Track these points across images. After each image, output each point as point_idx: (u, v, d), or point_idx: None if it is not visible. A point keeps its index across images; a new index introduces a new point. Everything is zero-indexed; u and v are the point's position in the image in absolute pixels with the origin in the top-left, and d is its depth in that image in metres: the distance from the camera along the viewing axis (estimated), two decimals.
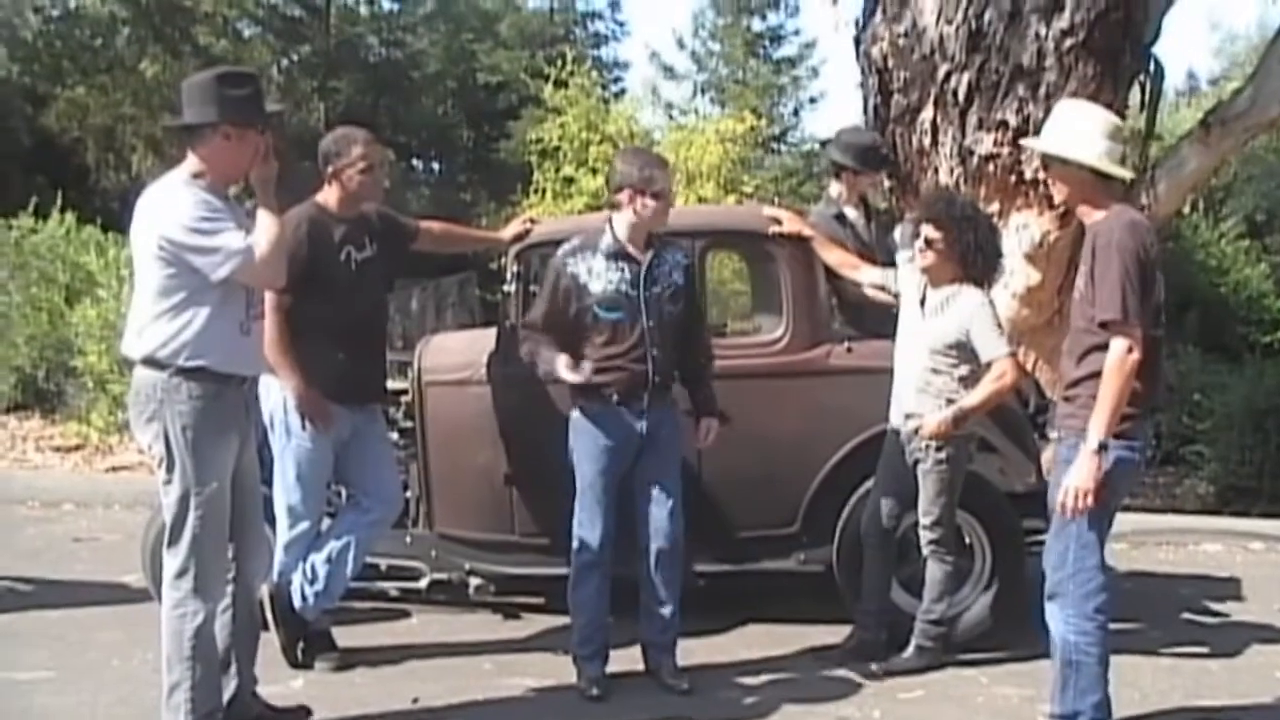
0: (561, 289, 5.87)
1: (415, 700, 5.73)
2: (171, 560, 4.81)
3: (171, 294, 4.68)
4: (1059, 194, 5.02)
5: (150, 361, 4.72)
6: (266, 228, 4.76)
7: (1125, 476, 4.92)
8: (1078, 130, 4.90)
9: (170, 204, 4.69)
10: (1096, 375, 4.76)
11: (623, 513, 6.00)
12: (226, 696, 5.05)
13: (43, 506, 10.11)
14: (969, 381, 5.93)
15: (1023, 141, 5.57)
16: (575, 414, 5.92)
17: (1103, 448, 4.68)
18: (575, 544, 5.95)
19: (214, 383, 4.75)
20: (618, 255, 5.86)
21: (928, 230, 5.98)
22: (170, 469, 4.75)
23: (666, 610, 6.01)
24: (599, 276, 5.83)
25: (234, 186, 5.08)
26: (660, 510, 5.94)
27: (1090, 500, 4.71)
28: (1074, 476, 4.73)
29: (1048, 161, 5.02)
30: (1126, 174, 4.98)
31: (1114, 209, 4.85)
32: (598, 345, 5.82)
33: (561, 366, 5.76)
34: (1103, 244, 4.74)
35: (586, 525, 5.92)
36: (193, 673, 4.81)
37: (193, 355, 4.69)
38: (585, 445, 5.90)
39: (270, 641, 6.02)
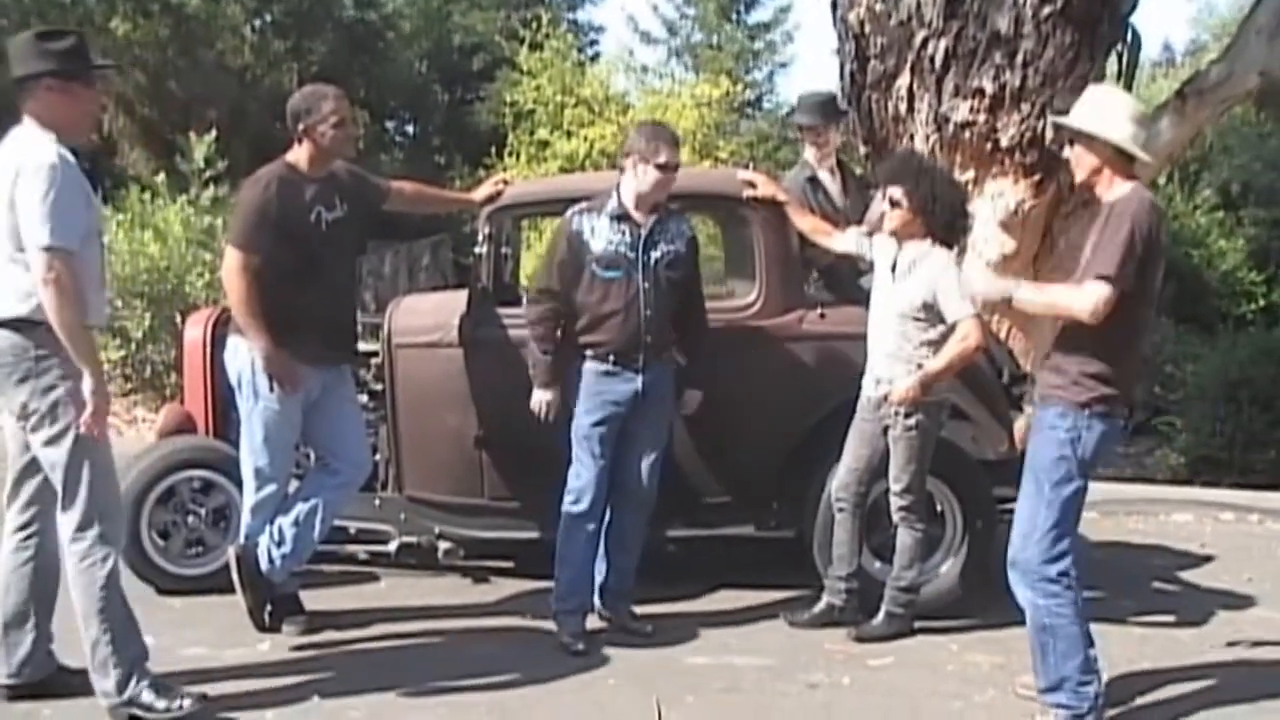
0: (566, 246, 6.03)
1: (382, 664, 5.70)
2: (69, 516, 4.80)
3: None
4: (1080, 171, 5.02)
5: (18, 321, 4.70)
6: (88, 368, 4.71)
7: (1105, 447, 4.95)
8: (1108, 110, 4.95)
9: (29, 158, 4.66)
10: (1083, 350, 4.82)
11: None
12: (23, 653, 5.03)
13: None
14: (939, 346, 5.92)
15: (1054, 118, 5.59)
16: (578, 369, 6.04)
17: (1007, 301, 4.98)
18: (569, 496, 6.06)
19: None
20: (621, 218, 6.01)
21: (891, 191, 6.05)
22: (55, 424, 4.74)
23: (630, 560, 6.24)
24: (600, 236, 5.99)
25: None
26: (642, 462, 6.12)
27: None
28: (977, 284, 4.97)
29: (1074, 138, 5.02)
30: (1149, 158, 5.01)
31: (1135, 186, 4.92)
32: (595, 303, 5.97)
33: (540, 375, 6.08)
34: (1118, 212, 4.80)
35: (581, 477, 6.04)
36: (110, 622, 4.82)
37: None
38: (584, 400, 6.03)
39: (237, 604, 6.00)
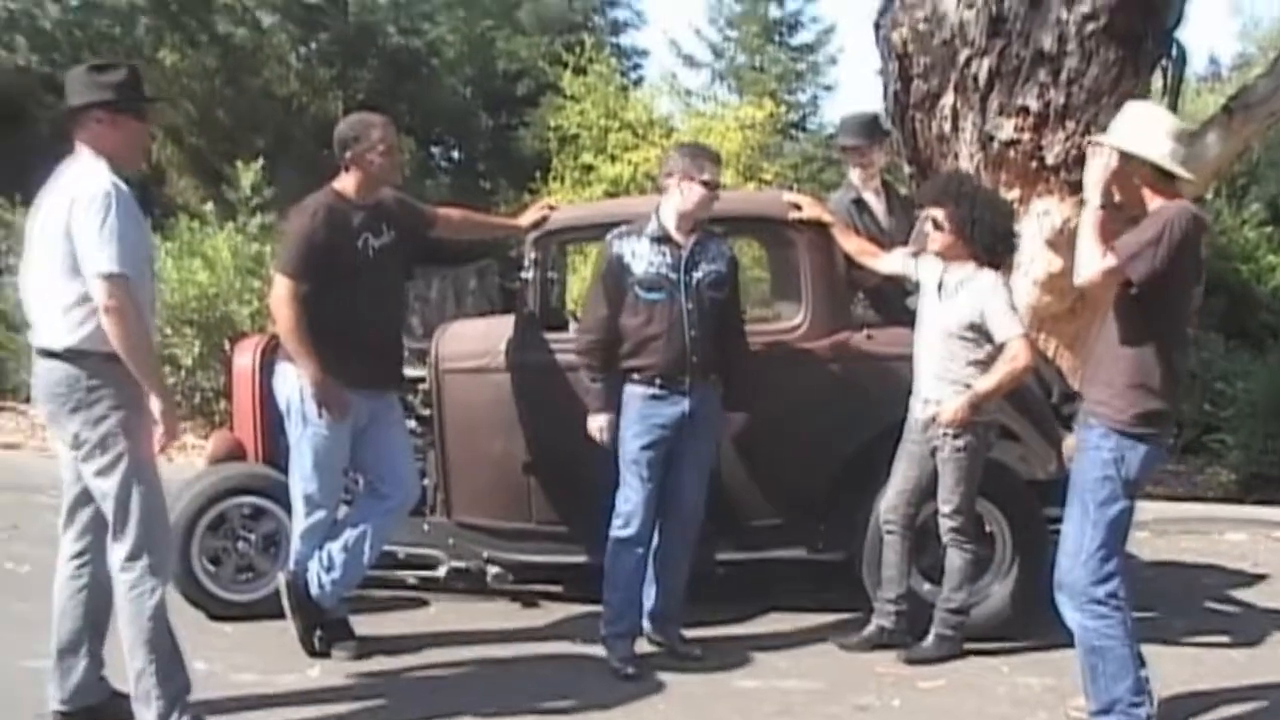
0: (608, 270, 6.06)
1: (433, 689, 5.71)
2: (120, 546, 4.82)
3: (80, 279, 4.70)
4: (1120, 191, 5.00)
5: (70, 352, 4.72)
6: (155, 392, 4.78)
7: (1149, 467, 4.92)
8: (1146, 128, 4.93)
9: (86, 187, 4.71)
10: (1120, 365, 4.82)
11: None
12: (76, 680, 5.05)
13: (60, 495, 10.09)
14: (987, 366, 5.91)
15: (1092, 137, 5.58)
16: (624, 392, 6.06)
17: None
18: (618, 520, 6.06)
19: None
20: (661, 240, 6.03)
21: (932, 212, 6.06)
22: (105, 454, 4.76)
23: (679, 583, 6.23)
24: (641, 258, 6.00)
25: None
26: (689, 486, 6.13)
27: None
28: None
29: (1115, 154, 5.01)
30: (1188, 175, 4.99)
31: (1179, 199, 4.89)
32: (639, 326, 5.99)
33: (593, 401, 6.13)
34: (1154, 212, 4.80)
35: (630, 500, 6.04)
36: (156, 653, 4.83)
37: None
38: (631, 423, 6.04)
39: (287, 629, 6.03)
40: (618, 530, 6.06)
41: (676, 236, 6.04)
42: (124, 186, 4.77)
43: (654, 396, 6.01)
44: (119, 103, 4.90)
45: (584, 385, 6.17)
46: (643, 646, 6.19)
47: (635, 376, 6.02)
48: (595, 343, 6.09)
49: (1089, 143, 5.15)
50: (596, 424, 6.10)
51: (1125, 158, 4.90)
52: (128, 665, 4.86)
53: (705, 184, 5.99)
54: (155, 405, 4.74)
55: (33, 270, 4.89)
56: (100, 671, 5.16)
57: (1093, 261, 4.75)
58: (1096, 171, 4.92)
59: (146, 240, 5.00)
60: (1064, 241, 7.81)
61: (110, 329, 4.62)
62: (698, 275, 6.02)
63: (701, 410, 6.06)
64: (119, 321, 4.60)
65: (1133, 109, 5.22)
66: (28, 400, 13.50)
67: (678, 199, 6.02)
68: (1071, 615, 4.96)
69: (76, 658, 5.05)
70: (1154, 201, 4.89)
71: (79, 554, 5.05)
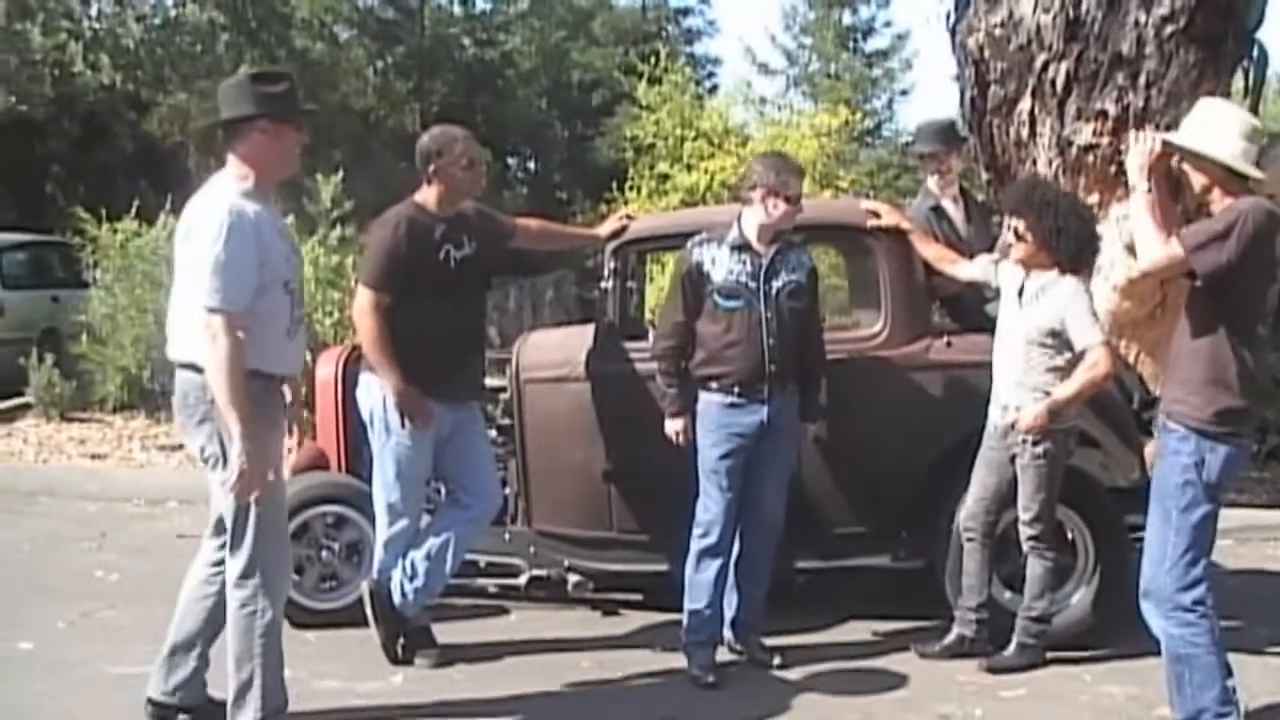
0: (687, 276, 6.08)
1: (515, 697, 5.74)
2: (235, 562, 4.87)
3: None
4: (1196, 186, 4.97)
5: (198, 366, 4.75)
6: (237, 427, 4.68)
7: (1230, 469, 4.86)
8: (1217, 128, 4.89)
9: (207, 214, 4.75)
10: (1195, 364, 4.79)
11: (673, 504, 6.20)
12: (182, 677, 5.15)
13: (148, 504, 10.25)
14: (1066, 373, 5.87)
15: (1162, 136, 5.53)
16: (701, 401, 6.08)
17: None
18: (698, 529, 6.09)
19: (260, 383, 4.79)
20: (741, 248, 6.05)
21: (1013, 222, 6.03)
22: (226, 469, 4.78)
23: (760, 591, 6.25)
24: (721, 266, 6.02)
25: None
26: (769, 495, 6.14)
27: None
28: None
29: (1184, 156, 4.97)
30: (1259, 174, 4.94)
31: (1254, 198, 4.83)
32: (718, 334, 6.01)
33: (669, 406, 6.16)
34: (1227, 207, 4.76)
35: (710, 509, 6.07)
36: (263, 670, 4.87)
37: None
38: (709, 432, 6.06)
39: (371, 637, 6.10)
40: (698, 539, 6.08)
41: (757, 246, 6.05)
42: (250, 211, 4.76)
43: (732, 405, 6.02)
44: (283, 113, 4.94)
45: (659, 390, 6.20)
46: (723, 655, 6.21)
47: (713, 385, 6.04)
48: (671, 348, 6.13)
49: (1161, 142, 5.10)
50: (673, 428, 6.13)
51: (1195, 158, 4.87)
52: (230, 675, 4.92)
53: (789, 199, 6.00)
54: (234, 447, 4.66)
55: (177, 283, 4.95)
56: (204, 675, 5.24)
57: (1155, 248, 4.74)
58: (1138, 157, 4.90)
59: (277, 263, 4.89)
60: None
61: (204, 359, 4.68)
62: (777, 284, 6.03)
63: (780, 419, 6.07)
64: (212, 354, 4.63)
65: (1204, 107, 5.18)
66: (115, 411, 13.73)
67: (761, 213, 6.03)
68: (1157, 623, 4.92)
69: (187, 657, 5.14)
70: (1224, 201, 4.85)
71: (215, 561, 5.09)
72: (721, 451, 6.02)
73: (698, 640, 6.11)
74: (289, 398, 5.19)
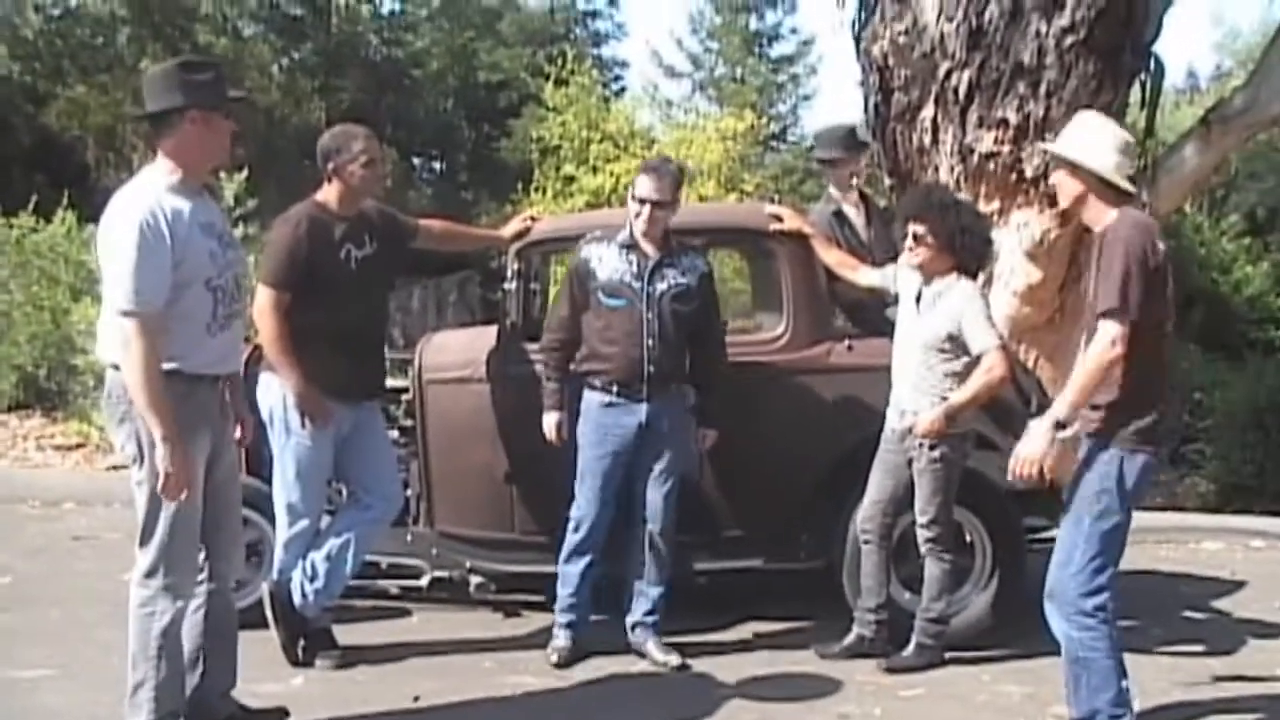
0: (574, 273, 6.18)
1: (416, 698, 5.73)
2: (142, 558, 4.77)
3: None
4: (1064, 198, 5.04)
5: (119, 365, 4.66)
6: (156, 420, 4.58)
7: (1146, 479, 4.94)
8: (1094, 140, 4.97)
9: (122, 214, 4.64)
10: (1111, 380, 4.78)
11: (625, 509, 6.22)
12: (194, 694, 5.02)
13: (44, 505, 10.11)
14: (963, 378, 5.94)
15: (1039, 145, 5.60)
16: (584, 399, 6.15)
17: (1060, 426, 4.75)
18: (571, 524, 6.19)
19: (181, 383, 4.69)
20: (629, 248, 6.13)
21: (913, 227, 6.05)
22: (142, 467, 4.71)
23: (655, 592, 6.28)
24: (607, 264, 6.11)
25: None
26: (655, 495, 6.17)
27: (1033, 472, 4.79)
28: (1027, 446, 4.81)
29: (1060, 164, 5.04)
30: (1131, 188, 5.01)
31: (1122, 211, 4.90)
32: (599, 331, 6.08)
33: (548, 404, 6.23)
34: (1109, 239, 4.79)
35: (582, 507, 6.18)
36: (157, 672, 4.78)
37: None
38: (586, 430, 6.15)
39: (270, 639, 6.05)
40: (570, 534, 6.21)
41: (645, 246, 6.12)
42: (169, 205, 4.63)
43: (610, 404, 6.10)
44: (213, 102, 4.81)
45: (542, 384, 6.26)
46: (627, 659, 6.24)
47: (595, 382, 6.13)
48: (556, 342, 6.22)
49: (1039, 150, 5.16)
50: (549, 422, 6.20)
51: (1070, 167, 4.95)
52: (129, 672, 4.82)
53: (652, 204, 6.07)
54: (158, 451, 4.57)
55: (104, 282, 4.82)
56: (227, 689, 5.17)
57: (1103, 350, 4.68)
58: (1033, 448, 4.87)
59: (197, 256, 4.72)
60: (1043, 253, 7.87)
61: (121, 361, 4.60)
62: (661, 286, 6.09)
63: (659, 422, 6.13)
64: (125, 356, 4.54)
65: (1082, 119, 5.24)
66: (10, 410, 13.50)
67: (634, 219, 6.13)
68: (1059, 625, 4.98)
69: (192, 674, 5.02)
70: (1100, 217, 4.91)
71: (198, 571, 4.99)
72: (599, 451, 6.11)
73: (561, 623, 6.30)
74: (228, 395, 5.10)
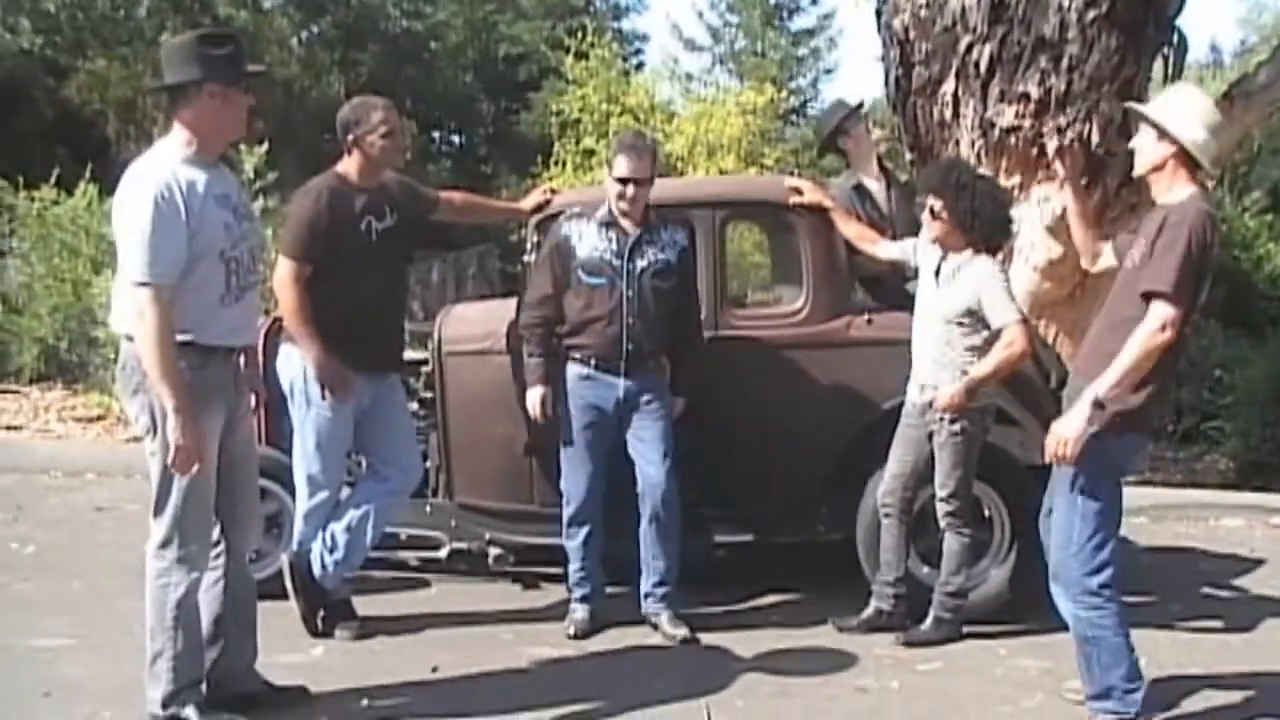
0: (555, 250, 6.19)
1: (435, 669, 5.76)
2: (156, 530, 4.79)
3: None
4: (1143, 164, 4.95)
5: (132, 336, 4.67)
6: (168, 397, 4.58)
7: (1132, 457, 4.95)
8: (1188, 110, 4.88)
9: (137, 185, 4.64)
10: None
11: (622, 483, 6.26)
12: (218, 668, 5.06)
13: (65, 476, 10.17)
14: (984, 352, 5.93)
15: (1130, 105, 5.52)
16: (565, 373, 6.19)
17: (1099, 406, 4.68)
18: (565, 499, 6.27)
19: (195, 355, 4.70)
20: (608, 225, 6.14)
21: (930, 201, 6.06)
22: (155, 440, 4.72)
23: (663, 564, 6.28)
24: (586, 242, 6.13)
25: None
26: (650, 468, 6.17)
27: (1071, 450, 4.73)
28: (1065, 425, 4.77)
29: (1149, 127, 4.94)
30: (1212, 169, 4.96)
31: (1195, 194, 4.83)
32: (580, 309, 6.11)
33: (531, 380, 6.23)
34: (1175, 221, 4.72)
35: (570, 478, 6.24)
36: (174, 642, 4.80)
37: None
38: (567, 406, 6.19)
39: (290, 610, 6.07)
40: (565, 509, 6.28)
41: (624, 223, 6.13)
42: (185, 177, 4.64)
43: (588, 378, 6.15)
44: (231, 76, 4.80)
45: (524, 360, 6.28)
46: (645, 630, 6.26)
47: (575, 356, 6.16)
48: (536, 319, 6.23)
49: (1127, 109, 5.08)
50: (533, 397, 6.21)
51: (1159, 132, 4.87)
52: (147, 642, 4.85)
53: (634, 182, 6.08)
54: (169, 423, 4.57)
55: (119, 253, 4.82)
56: (250, 662, 5.19)
57: (1154, 332, 4.63)
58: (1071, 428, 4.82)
59: (211, 228, 4.72)
60: (1064, 228, 7.80)
61: (135, 333, 4.60)
62: (642, 264, 6.10)
63: (638, 395, 6.16)
64: (140, 328, 4.55)
65: (1180, 89, 5.22)
66: (31, 382, 13.56)
67: (614, 196, 6.15)
68: (1065, 606, 4.98)
69: (214, 646, 5.04)
70: (1170, 190, 4.84)
71: (214, 544, 5.01)
72: (579, 423, 6.16)
73: (575, 598, 6.36)
74: (244, 367, 5.13)
